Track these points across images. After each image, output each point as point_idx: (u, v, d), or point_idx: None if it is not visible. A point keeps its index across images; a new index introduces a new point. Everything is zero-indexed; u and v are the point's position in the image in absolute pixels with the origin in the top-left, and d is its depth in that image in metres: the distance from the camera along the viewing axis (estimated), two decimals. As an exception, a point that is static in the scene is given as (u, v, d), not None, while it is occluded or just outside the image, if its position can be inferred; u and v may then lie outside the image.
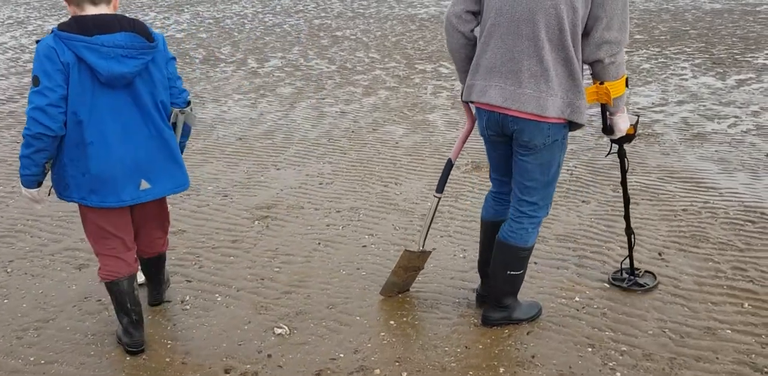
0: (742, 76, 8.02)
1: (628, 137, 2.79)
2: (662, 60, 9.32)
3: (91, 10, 2.37)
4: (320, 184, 4.61)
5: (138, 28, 2.39)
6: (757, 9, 14.48)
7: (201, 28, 12.81)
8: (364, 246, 3.64)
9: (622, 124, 2.69)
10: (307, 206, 4.21)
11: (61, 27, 2.32)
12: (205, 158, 5.16)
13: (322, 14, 15.07)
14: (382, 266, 3.42)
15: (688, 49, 10.14)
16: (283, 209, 4.15)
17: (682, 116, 6.34)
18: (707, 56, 9.38)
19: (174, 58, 2.58)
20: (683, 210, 4.13)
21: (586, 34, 2.41)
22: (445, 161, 2.99)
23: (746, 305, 3.08)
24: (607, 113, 2.68)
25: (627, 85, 2.54)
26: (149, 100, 2.46)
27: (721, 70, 8.39)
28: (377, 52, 10.17)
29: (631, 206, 4.20)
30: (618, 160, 3.02)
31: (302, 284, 3.27)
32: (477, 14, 2.57)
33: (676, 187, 4.52)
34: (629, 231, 3.19)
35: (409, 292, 3.19)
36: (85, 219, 2.58)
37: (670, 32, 11.90)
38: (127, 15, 2.57)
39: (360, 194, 4.43)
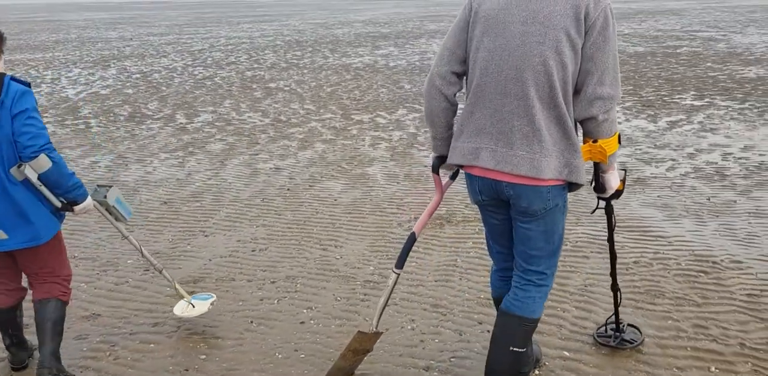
0: (672, 118, 8.17)
1: (617, 193, 2.65)
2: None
3: None
4: (253, 251, 4.27)
5: None
6: (678, 51, 15.12)
7: (127, 84, 12.43)
8: (302, 323, 3.31)
9: (614, 181, 2.54)
10: (238, 277, 3.86)
11: None
12: (126, 226, 4.75)
13: (255, 65, 14.91)
14: (323, 345, 3.10)
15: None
16: (211, 283, 3.78)
17: (620, 161, 6.31)
18: (636, 99, 9.58)
19: (23, 112, 2.51)
20: (634, 262, 3.98)
21: (577, 90, 2.28)
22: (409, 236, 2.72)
23: (713, 368, 2.89)
24: (600, 172, 2.53)
25: (619, 142, 2.40)
26: None
27: (652, 113, 8.55)
28: (312, 104, 10.00)
29: (580, 260, 4.03)
30: (605, 216, 2.87)
31: (232, 372, 2.90)
32: (462, 76, 2.42)
33: (624, 237, 4.38)
34: (615, 287, 3.04)
35: (354, 375, 2.87)
36: None
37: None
38: (19, 73, 2.42)
39: (297, 260, 4.11)
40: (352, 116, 8.91)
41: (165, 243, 4.42)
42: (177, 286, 3.26)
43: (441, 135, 2.52)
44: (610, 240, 2.94)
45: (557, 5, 2.22)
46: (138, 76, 13.58)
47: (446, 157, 2.55)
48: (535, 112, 2.26)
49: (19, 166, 2.55)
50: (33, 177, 2.55)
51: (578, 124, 2.38)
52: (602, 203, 2.77)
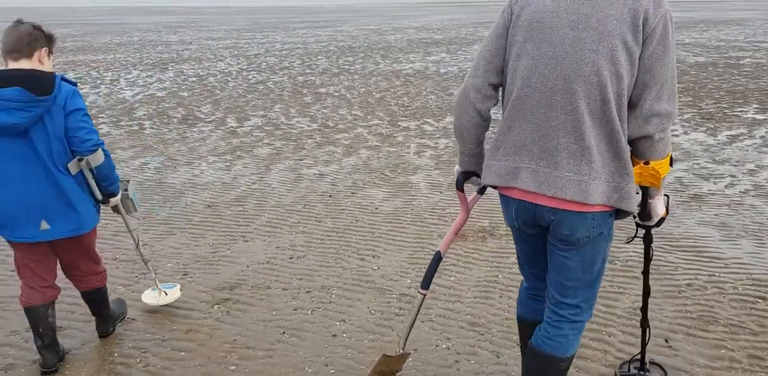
0: (733, 132, 7.82)
1: (660, 220, 2.38)
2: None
3: (11, 65, 2.68)
4: (291, 258, 4.23)
5: (31, 84, 2.58)
6: (741, 62, 14.55)
7: (183, 87, 12.66)
8: (335, 335, 3.24)
9: (660, 207, 2.28)
10: (274, 285, 3.82)
11: None
12: (169, 229, 4.78)
13: (307, 71, 15.01)
14: (354, 360, 3.01)
15: (678, 104, 10.00)
16: (247, 290, 3.75)
17: (676, 176, 6.06)
18: (695, 111, 9.23)
19: (78, 110, 2.70)
20: (687, 285, 3.77)
21: (632, 105, 2.05)
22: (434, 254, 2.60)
23: (770, 404, 2.68)
24: (647, 197, 2.27)
25: (671, 164, 2.16)
26: (43, 148, 2.67)
27: (712, 126, 8.20)
28: (360, 109, 9.98)
29: (630, 280, 3.84)
30: (643, 245, 2.60)
31: (261, 384, 2.84)
32: (499, 88, 2.21)
33: (677, 257, 4.17)
34: (645, 324, 2.77)
35: (384, 393, 2.77)
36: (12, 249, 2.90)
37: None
38: (62, 73, 2.68)
39: (333, 269, 4.05)
40: (399, 123, 8.84)
41: (206, 247, 4.42)
42: (156, 278, 3.49)
43: (469, 151, 2.33)
44: (645, 273, 2.66)
45: (612, 9, 1.99)
46: (194, 79, 13.84)
47: (472, 173, 2.39)
48: (585, 129, 2.02)
49: (79, 160, 2.75)
50: (87, 171, 2.79)
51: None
52: (641, 231, 2.49)
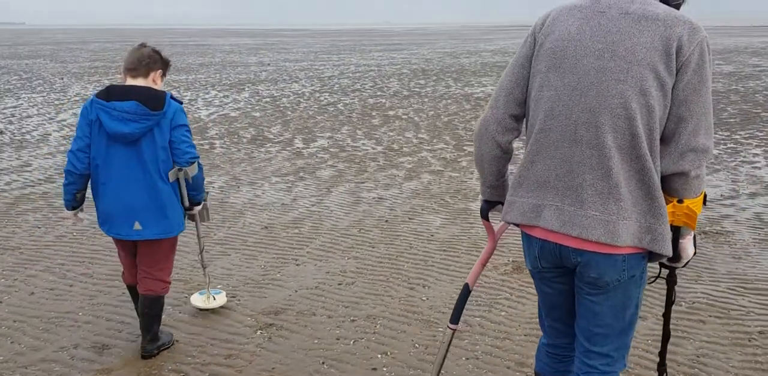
0: (823, 165, 7.30)
1: (687, 261, 2.20)
2: (732, 145, 8.68)
3: (129, 82, 3.05)
4: (339, 284, 4.17)
5: (146, 99, 2.94)
6: (835, 89, 13.67)
7: (257, 107, 12.98)
8: (375, 369, 3.14)
9: (691, 248, 2.09)
10: (319, 312, 3.77)
11: (97, 92, 3.00)
12: (224, 250, 4.83)
13: (378, 93, 15.13)
14: (392, 396, 2.91)
15: (760, 134, 9.47)
16: (292, 316, 3.71)
17: (755, 211, 5.68)
18: (781, 140, 8.69)
19: (182, 125, 3.04)
20: (759, 333, 3.48)
21: (665, 139, 1.91)
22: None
23: None
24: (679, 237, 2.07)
25: (704, 203, 2.02)
26: (149, 157, 3.00)
27: (799, 157, 7.70)
28: (427, 133, 9.93)
29: (695, 325, 3.58)
30: (666, 286, 2.33)
31: (295, 416, 2.78)
32: (521, 120, 2.11)
33: (750, 301, 3.86)
34: (662, 369, 2.53)
35: (419, 434, 2.65)
36: None
37: (740, 115, 11.26)
38: (173, 92, 3.13)
39: (381, 298, 3.96)
40: (465, 147, 8.72)
41: (257, 270, 4.43)
42: (208, 284, 3.76)
43: (490, 183, 2.21)
44: (666, 316, 2.38)
45: (642, 36, 1.86)
46: (268, 99, 14.18)
47: (497, 201, 2.26)
48: (612, 165, 1.88)
49: (179, 170, 3.07)
50: (182, 181, 3.11)
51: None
52: (664, 271, 2.25)
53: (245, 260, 4.64)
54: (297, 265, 4.52)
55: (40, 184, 6.87)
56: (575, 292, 2.10)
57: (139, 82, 3.02)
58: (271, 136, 9.77)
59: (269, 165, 7.82)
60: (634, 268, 1.97)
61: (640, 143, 1.87)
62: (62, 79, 19.14)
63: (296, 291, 4.07)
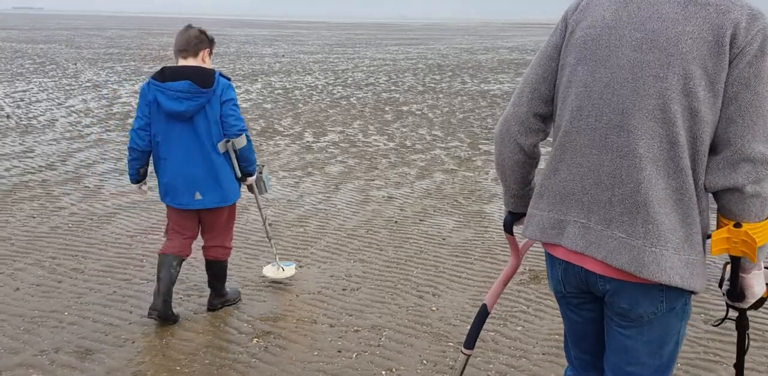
0: None
1: (760, 302, 1.77)
2: None
3: (180, 62, 3.24)
4: (344, 289, 3.92)
5: (197, 78, 3.12)
6: None
7: (268, 99, 12.73)
8: (377, 387, 2.89)
9: (759, 286, 1.70)
10: (321, 319, 3.51)
11: (153, 74, 3.23)
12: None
13: (392, 88, 14.85)
14: (395, 419, 2.65)
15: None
16: (291, 323, 3.46)
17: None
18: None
19: (230, 100, 3.22)
20: (799, 359, 3.19)
21: (713, 147, 1.59)
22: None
23: None
24: (739, 270, 1.70)
25: None
26: (204, 132, 3.22)
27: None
28: (441, 130, 9.65)
29: (728, 347, 3.30)
30: (736, 331, 1.92)
31: (288, 439, 2.52)
32: (549, 119, 1.82)
33: (787, 323, 3.57)
34: None
35: None
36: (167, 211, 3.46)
37: None
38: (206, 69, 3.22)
39: (388, 306, 3.70)
40: (480, 146, 8.43)
41: (257, 271, 4.18)
42: (276, 254, 3.96)
43: (513, 192, 1.92)
44: (739, 366, 1.96)
45: (689, 24, 1.54)
46: (280, 91, 13.93)
47: (522, 214, 1.97)
48: (643, 179, 1.57)
49: (227, 141, 3.26)
50: (231, 152, 3.29)
51: (709, 197, 1.66)
52: (733, 312, 1.85)
53: (246, 259, 4.39)
54: (300, 266, 4.27)
55: (41, 171, 6.66)
56: (605, 322, 1.80)
57: (190, 62, 3.21)
58: (281, 129, 9.52)
59: (277, 159, 7.57)
60: (675, 300, 1.66)
61: (680, 154, 1.56)
62: (75, 64, 18.98)
63: (297, 296, 3.81)
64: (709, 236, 1.67)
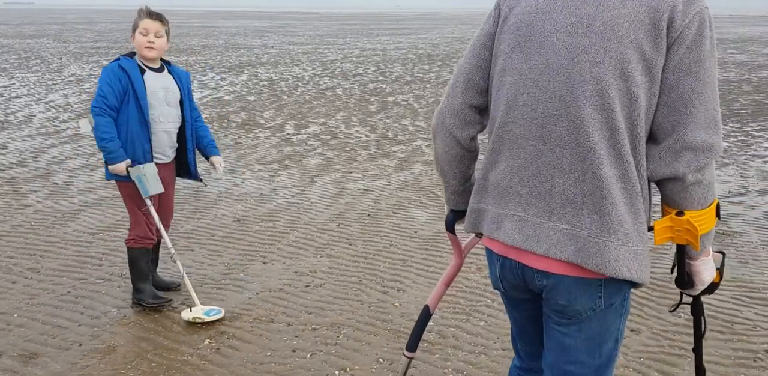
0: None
1: (711, 287, 1.74)
2: (742, 138, 8.25)
3: None
4: (306, 286, 3.82)
5: None
6: None
7: (252, 91, 12.59)
8: (328, 388, 2.79)
9: (707, 272, 1.67)
10: (279, 318, 3.42)
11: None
12: (188, 244, 4.48)
13: (380, 78, 14.70)
14: (343, 422, 2.56)
15: (774, 126, 9.01)
16: (247, 322, 3.36)
17: (765, 210, 5.28)
18: (797, 134, 8.24)
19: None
20: (766, 351, 3.10)
21: (654, 135, 1.55)
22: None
23: None
24: (686, 258, 1.67)
25: (718, 216, 1.61)
26: None
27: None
28: (424, 120, 9.53)
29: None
30: (692, 318, 1.93)
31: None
32: (485, 110, 1.75)
33: (756, 313, 3.49)
34: None
35: None
36: None
37: (753, 106, 10.79)
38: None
39: (350, 303, 3.61)
40: (462, 137, 8.32)
41: (219, 268, 4.08)
42: (192, 292, 3.38)
43: (453, 188, 1.85)
44: (697, 350, 1.92)
45: (624, 7, 1.49)
46: (265, 83, 13.78)
47: (465, 211, 1.88)
48: (586, 168, 1.52)
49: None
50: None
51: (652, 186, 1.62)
52: (687, 297, 1.82)
53: (209, 256, 4.29)
54: (264, 263, 4.17)
55: (11, 168, 6.54)
56: (544, 320, 1.73)
57: None
58: (262, 122, 9.40)
59: (255, 152, 7.45)
60: (614, 295, 1.60)
61: (621, 141, 1.51)
62: (60, 59, 18.79)
63: (257, 293, 3.72)
64: (651, 228, 1.62)
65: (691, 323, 3.38)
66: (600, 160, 1.52)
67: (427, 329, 3.29)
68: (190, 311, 3.31)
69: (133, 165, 3.25)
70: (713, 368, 2.96)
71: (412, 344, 2.12)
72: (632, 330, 3.30)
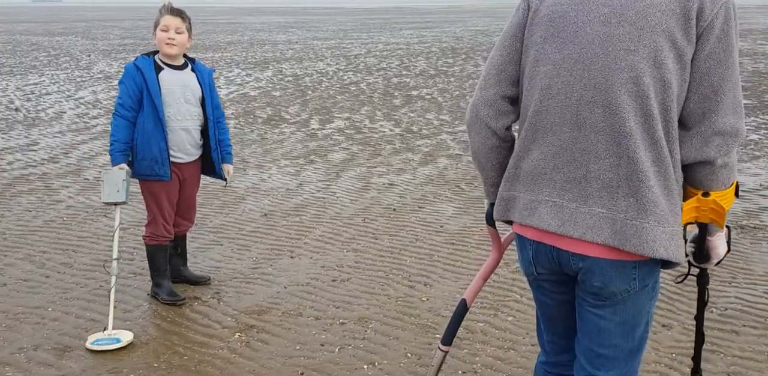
0: None
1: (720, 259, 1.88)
2: (776, 130, 8.08)
3: None
4: (333, 280, 3.84)
5: None
6: None
7: (278, 86, 12.65)
8: (357, 382, 2.81)
9: (722, 247, 1.79)
10: (307, 312, 3.44)
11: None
12: (217, 239, 4.52)
13: (403, 72, 14.67)
14: (372, 416, 2.57)
15: (808, 117, 8.82)
16: (276, 316, 3.39)
17: (801, 204, 5.17)
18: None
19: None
20: (803, 348, 3.05)
21: (684, 121, 1.62)
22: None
23: None
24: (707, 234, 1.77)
25: (737, 195, 1.71)
26: None
27: None
28: (449, 114, 9.50)
29: (728, 336, 3.17)
30: (696, 287, 1.99)
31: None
32: (516, 102, 1.79)
33: (765, 291, 3.43)
34: (697, 373, 2.18)
35: None
36: None
37: (787, 96, 10.55)
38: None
39: (377, 297, 3.62)
40: (488, 130, 8.26)
41: (248, 262, 4.12)
42: (112, 298, 3.17)
43: (492, 180, 1.87)
44: (699, 318, 2.06)
45: None
46: (290, 78, 13.83)
47: None
48: (622, 152, 1.58)
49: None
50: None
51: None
52: (694, 269, 1.93)
53: (237, 250, 4.32)
54: (291, 257, 4.20)
55: (43, 164, 6.66)
56: (577, 303, 1.77)
57: None
58: (288, 117, 9.44)
59: (280, 147, 7.49)
60: (647, 276, 1.66)
61: (654, 126, 1.57)
62: (89, 56, 19.05)
63: (285, 287, 3.74)
64: None
65: (726, 320, 3.33)
66: (636, 144, 1.56)
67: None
68: (103, 332, 3.07)
69: (130, 167, 3.32)
70: (747, 363, 2.92)
71: (448, 338, 2.14)
72: (663, 326, 3.26)
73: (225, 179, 3.66)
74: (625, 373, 1.76)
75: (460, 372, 2.87)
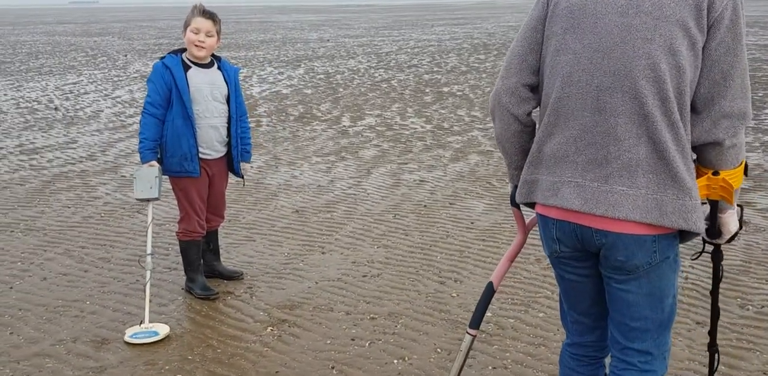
0: None
1: (733, 236, 1.95)
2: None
3: None
4: (364, 276, 3.86)
5: None
6: None
7: (309, 84, 12.73)
8: (387, 376, 2.82)
9: (734, 223, 1.89)
10: (338, 307, 3.47)
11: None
12: (250, 235, 4.59)
13: (435, 69, 14.63)
14: (402, 410, 2.59)
15: None
16: (308, 311, 3.43)
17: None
18: None
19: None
20: (844, 347, 2.97)
21: (696, 105, 1.73)
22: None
23: None
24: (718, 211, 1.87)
25: (746, 173, 1.82)
26: None
27: None
28: (480, 110, 9.45)
29: (765, 333, 3.10)
30: (711, 264, 2.06)
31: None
32: (536, 90, 1.90)
33: (833, 308, 3.33)
34: (713, 350, 2.20)
35: None
36: None
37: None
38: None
39: (407, 293, 3.63)
40: (520, 127, 8.21)
41: (280, 258, 4.16)
42: (147, 292, 3.24)
43: (516, 163, 1.98)
44: (714, 293, 2.13)
45: None
46: (322, 76, 13.91)
47: None
48: (642, 133, 1.68)
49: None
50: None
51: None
52: (709, 247, 2.01)
53: (270, 246, 4.38)
54: (323, 253, 4.23)
55: (81, 161, 6.82)
56: (604, 282, 1.87)
57: None
58: (319, 114, 9.50)
59: (312, 144, 7.55)
60: (667, 249, 1.76)
61: (671, 109, 1.68)
62: (125, 56, 19.42)
63: (317, 283, 3.78)
64: None
65: (763, 318, 3.26)
66: (656, 125, 1.67)
67: (485, 320, 3.29)
68: (140, 325, 3.15)
69: (159, 164, 3.36)
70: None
71: (476, 322, 2.17)
72: (698, 323, 3.21)
73: (243, 178, 3.70)
74: (657, 344, 1.85)
75: (490, 368, 2.87)
